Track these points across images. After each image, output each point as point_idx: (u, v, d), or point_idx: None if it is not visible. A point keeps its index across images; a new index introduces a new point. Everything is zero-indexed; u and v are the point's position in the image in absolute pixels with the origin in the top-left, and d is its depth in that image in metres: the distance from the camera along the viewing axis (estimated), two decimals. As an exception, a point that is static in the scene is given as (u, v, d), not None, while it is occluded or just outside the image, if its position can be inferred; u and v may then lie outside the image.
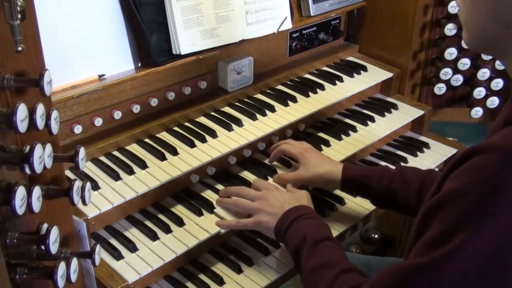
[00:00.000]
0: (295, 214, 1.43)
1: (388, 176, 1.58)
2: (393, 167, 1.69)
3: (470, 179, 0.93)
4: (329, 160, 1.70)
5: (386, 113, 2.13)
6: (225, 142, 1.72)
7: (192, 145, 1.69)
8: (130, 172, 1.56)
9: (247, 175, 1.76)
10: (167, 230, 1.52)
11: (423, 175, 1.56)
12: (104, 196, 1.48)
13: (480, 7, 1.02)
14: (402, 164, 1.99)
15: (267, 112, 1.88)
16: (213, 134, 1.74)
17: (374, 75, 2.22)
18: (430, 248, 0.95)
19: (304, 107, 1.94)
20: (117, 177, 1.54)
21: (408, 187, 1.54)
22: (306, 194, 1.57)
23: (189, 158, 1.64)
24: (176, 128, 1.78)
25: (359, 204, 1.78)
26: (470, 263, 0.90)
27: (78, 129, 1.61)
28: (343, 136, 1.97)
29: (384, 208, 1.72)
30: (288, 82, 2.10)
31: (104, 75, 1.62)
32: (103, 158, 1.63)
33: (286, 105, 1.93)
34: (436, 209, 0.97)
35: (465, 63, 2.18)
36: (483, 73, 2.21)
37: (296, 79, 2.14)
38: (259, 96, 1.99)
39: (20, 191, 0.90)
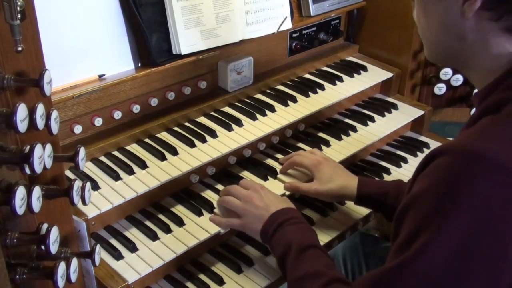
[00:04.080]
0: (280, 219, 1.40)
1: (403, 193, 1.52)
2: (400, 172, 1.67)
3: (430, 181, 0.95)
4: (343, 173, 1.63)
5: (386, 113, 2.13)
6: (225, 142, 1.72)
7: (192, 145, 1.69)
8: (130, 172, 1.56)
9: (247, 175, 1.76)
10: (167, 230, 1.52)
11: None
12: (104, 196, 1.48)
13: (432, 21, 1.08)
14: (403, 164, 1.99)
15: (267, 112, 1.88)
16: (213, 134, 1.74)
17: (374, 75, 2.22)
18: (399, 251, 0.97)
19: (304, 107, 1.94)
20: (117, 177, 1.54)
21: None
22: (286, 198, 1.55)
23: (189, 158, 1.64)
24: (176, 128, 1.78)
25: (359, 204, 1.78)
26: (433, 262, 0.92)
27: (78, 129, 1.61)
28: (343, 136, 1.97)
29: None
30: (288, 82, 2.10)
31: (104, 75, 1.62)
32: (103, 158, 1.63)
33: (286, 105, 1.93)
34: (404, 212, 1.00)
35: (465, 63, 2.18)
36: (483, 73, 2.21)
37: (296, 79, 2.14)
38: (259, 96, 1.99)
39: (20, 191, 0.90)
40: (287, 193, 1.67)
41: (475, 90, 1.13)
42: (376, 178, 1.87)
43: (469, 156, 0.91)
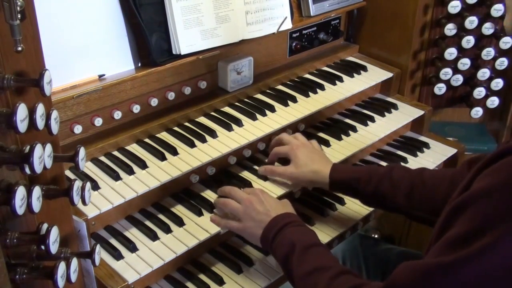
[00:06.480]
0: (281, 223, 1.40)
1: (376, 178, 1.55)
2: (384, 163, 1.67)
3: (502, 177, 0.91)
4: (319, 159, 1.66)
5: (386, 113, 2.13)
6: (225, 142, 1.72)
7: (192, 145, 1.69)
8: (130, 172, 1.56)
9: (247, 175, 1.76)
10: (167, 230, 1.52)
11: (413, 175, 1.54)
12: (104, 196, 1.48)
13: None
14: (402, 164, 1.99)
15: (267, 112, 1.88)
16: (213, 134, 1.74)
17: (374, 75, 2.22)
18: (454, 246, 0.93)
19: (304, 107, 1.94)
20: (117, 177, 1.54)
21: (396, 189, 1.52)
22: (288, 202, 1.55)
23: (189, 158, 1.64)
24: (176, 128, 1.78)
25: (359, 204, 1.77)
26: (498, 264, 0.88)
27: (78, 129, 1.61)
28: (343, 136, 1.97)
29: (374, 207, 1.72)
30: (288, 82, 2.10)
31: (104, 75, 1.62)
32: (103, 158, 1.63)
33: (286, 105, 1.93)
34: (463, 207, 0.95)
35: (465, 63, 2.18)
36: (483, 73, 2.21)
37: (296, 79, 2.14)
38: (259, 96, 1.99)
39: (20, 191, 0.90)
40: (285, 191, 1.67)
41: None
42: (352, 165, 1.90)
43: None
